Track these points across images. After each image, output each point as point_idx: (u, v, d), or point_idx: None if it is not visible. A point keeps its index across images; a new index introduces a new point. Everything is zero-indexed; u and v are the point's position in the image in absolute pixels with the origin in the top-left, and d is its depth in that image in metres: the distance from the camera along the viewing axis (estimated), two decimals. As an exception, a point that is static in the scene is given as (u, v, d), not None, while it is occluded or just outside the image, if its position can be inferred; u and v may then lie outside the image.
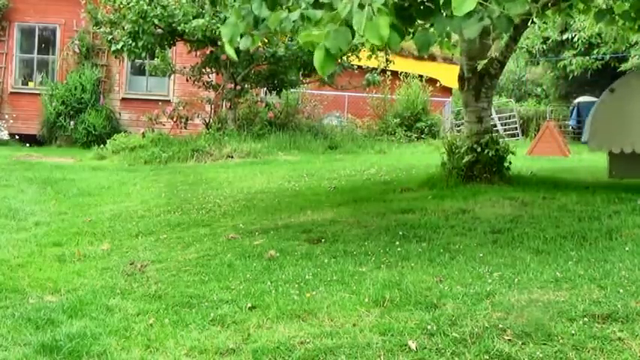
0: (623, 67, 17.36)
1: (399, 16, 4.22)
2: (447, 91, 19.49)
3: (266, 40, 13.64)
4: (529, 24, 6.08)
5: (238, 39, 4.21)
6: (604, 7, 6.03)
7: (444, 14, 3.91)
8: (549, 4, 6.84)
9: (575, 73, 19.41)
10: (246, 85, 14.52)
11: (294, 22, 3.64)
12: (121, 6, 12.80)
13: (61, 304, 3.73)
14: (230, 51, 4.26)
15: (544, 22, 12.47)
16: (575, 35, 17.75)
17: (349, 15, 3.22)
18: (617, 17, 5.39)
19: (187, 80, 14.85)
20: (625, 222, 4.90)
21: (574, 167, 9.21)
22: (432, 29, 4.09)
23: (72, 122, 16.21)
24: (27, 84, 17.80)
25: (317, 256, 4.53)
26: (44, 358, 3.01)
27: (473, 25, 3.57)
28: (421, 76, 18.35)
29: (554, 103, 24.15)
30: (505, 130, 19.82)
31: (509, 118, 21.03)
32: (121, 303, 3.79)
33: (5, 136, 16.57)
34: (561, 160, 11.62)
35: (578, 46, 17.89)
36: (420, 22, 4.64)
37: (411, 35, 5.48)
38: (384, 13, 3.23)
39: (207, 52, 13.90)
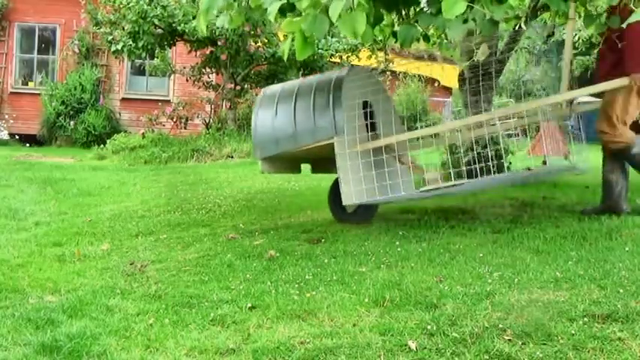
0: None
1: (381, 2, 4.21)
2: (447, 91, 19.50)
3: (266, 41, 13.66)
4: (525, 26, 6.07)
5: (215, 12, 4.18)
6: (604, 7, 6.01)
7: (430, 11, 3.91)
8: (537, 11, 6.84)
9: (576, 73, 19.41)
10: (246, 85, 14.53)
11: None
12: (121, 6, 12.81)
13: (61, 304, 3.72)
14: (202, 25, 4.23)
15: (544, 23, 12.47)
16: (576, 35, 17.73)
17: (329, 2, 3.22)
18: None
19: (187, 80, 14.86)
20: (625, 222, 4.90)
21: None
22: (417, 25, 4.10)
23: (72, 122, 16.22)
24: (27, 84, 17.81)
25: (317, 256, 4.53)
26: (44, 358, 3.01)
27: (457, 27, 3.57)
28: (420, 76, 18.35)
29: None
30: (505, 130, 19.77)
31: (510, 118, 20.97)
32: (121, 303, 3.79)
33: (5, 136, 16.59)
34: (561, 160, 11.59)
35: (578, 45, 17.88)
36: (403, 15, 4.63)
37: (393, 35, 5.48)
38: (363, 8, 3.23)
39: (207, 52, 13.91)
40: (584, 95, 6.45)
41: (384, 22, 5.62)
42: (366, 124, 5.56)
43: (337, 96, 5.22)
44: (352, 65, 6.93)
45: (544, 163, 5.72)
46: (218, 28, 12.39)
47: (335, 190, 5.48)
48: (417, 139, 5.60)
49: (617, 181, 5.24)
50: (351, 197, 5.13)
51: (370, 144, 5.28)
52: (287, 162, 5.86)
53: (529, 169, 5.68)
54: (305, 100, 5.40)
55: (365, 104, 5.62)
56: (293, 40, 3.45)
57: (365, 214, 5.62)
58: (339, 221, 5.66)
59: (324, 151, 5.24)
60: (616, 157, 5.26)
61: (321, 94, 5.35)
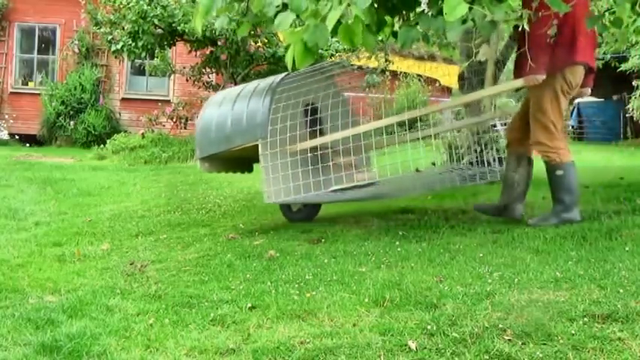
0: (623, 67, 17.32)
1: (383, 6, 4.22)
2: (446, 91, 19.49)
3: (266, 41, 13.66)
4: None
5: (214, 14, 4.21)
6: (604, 7, 6.01)
7: (430, 13, 3.92)
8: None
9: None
10: (246, 85, 14.52)
11: (277, 7, 3.65)
12: (121, 6, 12.81)
13: (61, 304, 3.72)
14: (198, 25, 4.26)
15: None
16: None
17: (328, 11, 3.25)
18: (608, 24, 5.31)
19: (187, 80, 14.85)
20: (625, 222, 4.89)
21: (574, 167, 9.20)
22: (417, 26, 4.12)
23: (72, 122, 16.23)
24: (27, 84, 17.82)
25: (317, 256, 4.53)
26: (44, 358, 3.01)
27: (456, 28, 3.57)
28: (420, 76, 18.36)
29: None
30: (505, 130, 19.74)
31: (510, 118, 20.95)
32: (121, 303, 3.79)
33: (5, 136, 16.60)
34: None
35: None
36: (404, 16, 4.64)
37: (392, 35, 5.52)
38: (360, 20, 3.25)
39: (207, 52, 13.91)
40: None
41: (383, 23, 5.64)
42: (305, 123, 5.75)
43: (266, 99, 5.40)
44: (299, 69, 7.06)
45: (432, 164, 5.92)
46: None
47: None
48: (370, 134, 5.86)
49: (519, 183, 5.24)
50: (270, 197, 5.35)
51: (289, 147, 5.44)
52: (228, 162, 6.00)
53: (440, 173, 5.86)
54: (242, 103, 5.57)
55: (308, 104, 5.82)
56: None
57: (310, 211, 5.97)
58: (289, 220, 5.90)
59: (254, 151, 5.39)
60: (530, 161, 5.24)
61: (256, 98, 5.52)
